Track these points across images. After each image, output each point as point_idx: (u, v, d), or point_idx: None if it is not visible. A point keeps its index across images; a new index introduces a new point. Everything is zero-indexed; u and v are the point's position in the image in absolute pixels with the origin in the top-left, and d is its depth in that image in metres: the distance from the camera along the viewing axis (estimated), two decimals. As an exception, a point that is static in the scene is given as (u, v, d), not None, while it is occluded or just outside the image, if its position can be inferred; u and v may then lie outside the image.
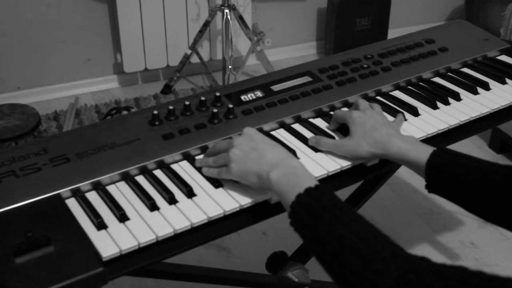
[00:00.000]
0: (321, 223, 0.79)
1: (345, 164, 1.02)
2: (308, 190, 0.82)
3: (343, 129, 1.08)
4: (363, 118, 1.03)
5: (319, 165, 1.01)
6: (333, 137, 1.08)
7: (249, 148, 0.93)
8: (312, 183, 0.84)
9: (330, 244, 0.77)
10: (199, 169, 1.00)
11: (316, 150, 1.05)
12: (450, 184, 0.94)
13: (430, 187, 0.97)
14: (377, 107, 1.09)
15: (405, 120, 1.15)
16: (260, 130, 1.09)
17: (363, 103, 1.09)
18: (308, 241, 0.81)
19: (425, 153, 0.96)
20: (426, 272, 0.69)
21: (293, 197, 0.83)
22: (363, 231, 0.76)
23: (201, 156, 1.03)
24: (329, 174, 1.00)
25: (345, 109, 1.18)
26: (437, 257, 1.90)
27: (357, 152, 1.01)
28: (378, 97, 1.23)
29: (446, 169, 0.93)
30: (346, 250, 0.75)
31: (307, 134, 1.10)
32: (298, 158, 1.03)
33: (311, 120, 1.15)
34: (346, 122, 1.05)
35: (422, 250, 1.92)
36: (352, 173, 1.03)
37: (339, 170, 1.01)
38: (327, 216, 0.78)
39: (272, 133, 1.11)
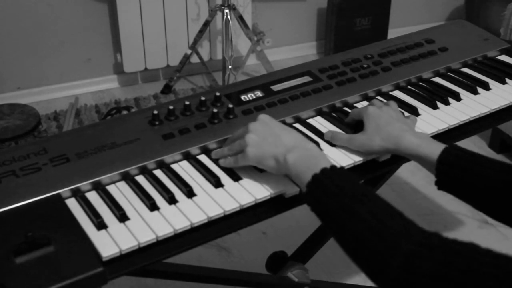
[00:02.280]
0: (336, 201, 0.81)
1: (345, 164, 1.02)
2: (324, 170, 0.85)
3: (357, 127, 1.09)
4: (378, 113, 1.04)
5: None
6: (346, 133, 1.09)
7: (265, 132, 0.95)
8: (328, 164, 0.87)
9: (344, 221, 0.80)
10: (199, 169, 1.00)
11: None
12: (460, 181, 0.94)
13: (440, 184, 0.97)
14: (393, 104, 1.10)
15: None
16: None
17: (377, 102, 1.11)
18: (324, 219, 0.84)
19: (436, 149, 0.97)
20: (436, 247, 0.71)
21: (309, 177, 0.86)
22: (377, 207, 0.79)
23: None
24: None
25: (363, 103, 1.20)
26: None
27: (370, 147, 1.02)
28: (378, 97, 1.23)
29: (457, 166, 0.94)
30: (360, 226, 0.78)
31: (308, 133, 1.10)
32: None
33: (309, 120, 1.15)
34: (362, 117, 1.07)
35: (422, 250, 1.92)
36: (353, 173, 1.03)
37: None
38: (342, 194, 0.81)
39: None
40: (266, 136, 0.95)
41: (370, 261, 0.76)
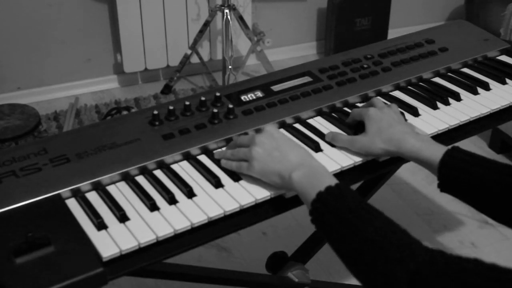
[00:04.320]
0: (340, 220, 0.81)
1: (345, 164, 1.02)
2: (329, 188, 0.85)
3: (358, 128, 1.09)
4: (379, 115, 1.04)
5: (319, 165, 1.01)
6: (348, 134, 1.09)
7: (271, 147, 0.94)
8: (333, 182, 0.86)
9: (349, 240, 0.79)
10: (199, 169, 1.00)
11: (316, 150, 1.05)
12: (463, 184, 0.94)
13: (442, 186, 0.97)
14: (394, 106, 1.10)
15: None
16: (261, 131, 1.09)
17: (378, 101, 1.10)
18: (328, 237, 0.83)
19: (438, 152, 0.96)
20: (440, 265, 0.71)
21: (314, 195, 0.85)
22: (381, 226, 0.79)
23: (218, 150, 1.04)
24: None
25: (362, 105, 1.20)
26: (437, 257, 1.90)
27: (371, 149, 1.02)
28: (378, 97, 1.23)
29: (459, 169, 0.94)
30: (365, 244, 0.77)
31: (308, 133, 1.10)
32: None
33: (309, 120, 1.15)
34: (363, 118, 1.06)
35: (422, 250, 1.92)
36: (353, 173, 1.03)
37: (339, 170, 1.02)
38: (347, 211, 0.81)
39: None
40: (272, 150, 0.94)
41: (374, 279, 0.76)
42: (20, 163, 0.96)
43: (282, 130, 1.11)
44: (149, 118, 1.08)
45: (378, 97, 1.20)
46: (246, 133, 1.08)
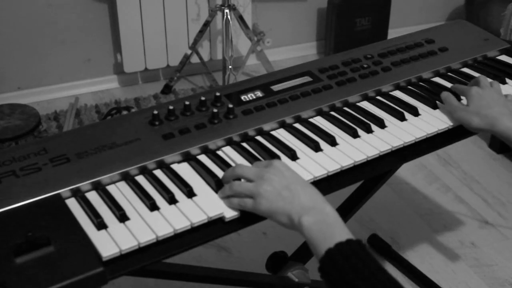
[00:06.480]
0: (347, 284, 0.78)
1: (345, 164, 1.02)
2: (339, 246, 0.81)
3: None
4: (481, 95, 1.12)
5: (319, 165, 1.01)
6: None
7: (281, 185, 0.89)
8: (344, 237, 0.82)
9: None
10: (199, 169, 1.00)
11: (316, 150, 1.05)
12: None
13: None
14: (496, 84, 1.17)
15: (405, 120, 1.15)
16: (260, 130, 1.10)
17: (483, 80, 1.18)
18: None
19: None
20: None
21: (323, 251, 0.81)
22: None
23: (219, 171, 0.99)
24: (329, 174, 1.00)
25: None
26: (437, 257, 1.90)
27: (468, 123, 1.11)
28: (378, 97, 1.23)
29: None
30: None
31: (308, 133, 1.10)
32: (298, 158, 1.03)
33: (311, 120, 1.15)
34: (465, 96, 1.15)
35: (422, 250, 1.93)
36: (353, 173, 1.03)
37: (339, 170, 1.02)
38: (355, 277, 0.78)
39: (272, 133, 1.11)
40: (281, 189, 0.88)
41: None
42: (20, 163, 0.96)
43: (281, 130, 1.11)
44: (149, 118, 1.08)
45: (484, 77, 1.22)
46: (246, 133, 1.08)
